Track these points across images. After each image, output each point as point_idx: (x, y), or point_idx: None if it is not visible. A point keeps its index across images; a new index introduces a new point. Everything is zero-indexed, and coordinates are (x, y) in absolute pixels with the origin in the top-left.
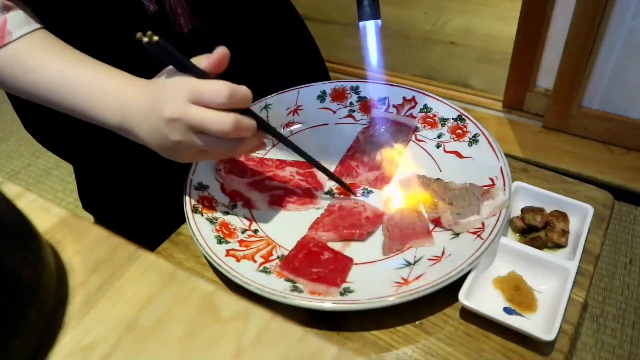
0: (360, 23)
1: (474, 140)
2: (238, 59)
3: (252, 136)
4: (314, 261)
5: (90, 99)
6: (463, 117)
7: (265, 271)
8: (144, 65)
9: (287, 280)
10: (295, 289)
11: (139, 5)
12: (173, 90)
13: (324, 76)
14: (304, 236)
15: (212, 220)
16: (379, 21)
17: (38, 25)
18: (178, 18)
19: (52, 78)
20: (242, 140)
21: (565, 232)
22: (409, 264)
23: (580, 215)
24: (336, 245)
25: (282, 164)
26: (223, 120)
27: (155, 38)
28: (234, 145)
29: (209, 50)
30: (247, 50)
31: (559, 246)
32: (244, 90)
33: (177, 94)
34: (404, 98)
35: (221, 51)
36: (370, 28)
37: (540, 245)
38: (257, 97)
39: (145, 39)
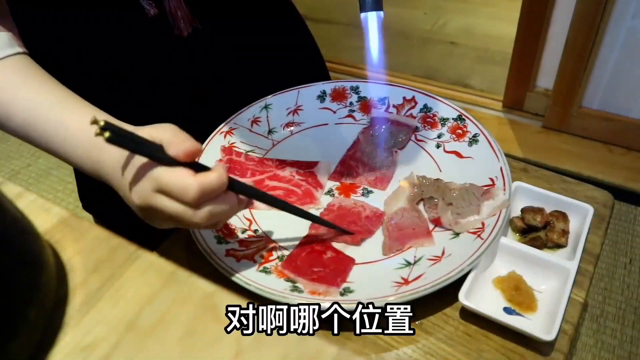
0: (362, 14)
1: (474, 140)
2: (238, 60)
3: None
4: (316, 260)
5: (62, 143)
6: (463, 117)
7: (265, 271)
8: (144, 67)
9: (287, 280)
10: (295, 288)
11: (139, 8)
12: (140, 175)
13: (324, 76)
14: (308, 234)
15: None
16: (382, 13)
17: (17, 50)
18: (178, 21)
19: (21, 110)
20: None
21: (565, 232)
22: (409, 264)
23: (580, 215)
24: (336, 245)
25: (282, 164)
26: (192, 214)
27: (107, 134)
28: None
29: (209, 52)
30: (247, 51)
31: (559, 246)
32: (214, 183)
33: (144, 182)
34: (404, 98)
35: (196, 146)
36: (372, 20)
37: (540, 245)
38: (257, 97)
39: (102, 137)
